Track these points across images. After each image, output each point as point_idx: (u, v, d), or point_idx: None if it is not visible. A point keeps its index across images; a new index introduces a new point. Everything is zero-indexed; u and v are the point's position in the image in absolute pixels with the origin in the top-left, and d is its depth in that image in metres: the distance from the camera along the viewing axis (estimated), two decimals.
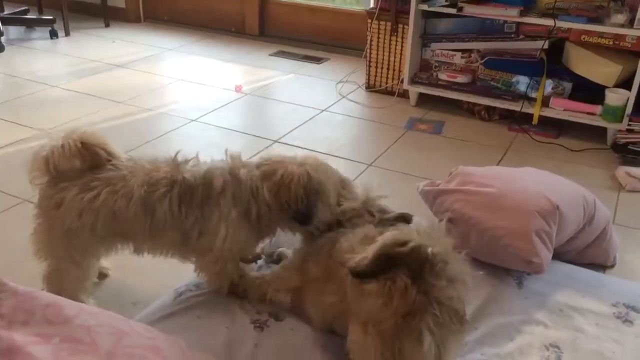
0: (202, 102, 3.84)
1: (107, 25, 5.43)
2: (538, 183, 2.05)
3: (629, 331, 1.77)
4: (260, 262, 1.99)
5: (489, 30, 3.55)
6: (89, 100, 3.81)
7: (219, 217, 1.66)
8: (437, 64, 3.81)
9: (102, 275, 2.12)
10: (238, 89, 4.07)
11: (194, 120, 3.55)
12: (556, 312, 1.84)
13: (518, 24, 3.42)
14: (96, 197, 1.65)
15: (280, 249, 2.00)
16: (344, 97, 4.00)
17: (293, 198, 1.65)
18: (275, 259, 1.98)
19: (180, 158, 1.73)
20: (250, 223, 1.70)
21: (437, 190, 2.16)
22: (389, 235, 1.34)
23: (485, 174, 2.13)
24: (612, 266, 2.24)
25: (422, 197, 2.26)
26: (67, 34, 5.13)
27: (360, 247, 1.45)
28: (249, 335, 1.68)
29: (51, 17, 5.11)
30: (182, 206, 1.65)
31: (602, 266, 2.23)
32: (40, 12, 5.63)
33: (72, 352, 1.20)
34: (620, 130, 3.18)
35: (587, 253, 2.18)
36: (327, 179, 1.70)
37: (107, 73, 4.34)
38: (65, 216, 1.68)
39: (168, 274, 2.18)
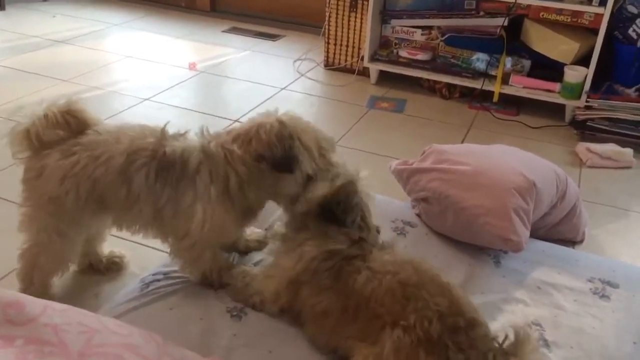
0: (154, 80, 3.65)
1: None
2: (512, 160, 2.03)
3: (607, 306, 1.77)
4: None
5: (450, 6, 3.52)
6: (31, 78, 3.56)
7: (194, 198, 1.55)
8: (397, 41, 3.75)
9: (115, 264, 2.03)
10: (192, 66, 3.89)
11: (147, 99, 3.37)
12: (534, 290, 1.83)
13: (478, 0, 3.40)
14: (77, 163, 1.57)
15: (274, 228, 1.85)
16: (302, 75, 3.89)
17: (266, 146, 1.52)
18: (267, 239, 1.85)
19: (169, 130, 1.63)
20: (232, 201, 1.58)
21: (411, 169, 2.11)
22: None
23: (459, 151, 2.09)
24: (581, 242, 2.27)
25: (394, 176, 2.21)
26: (2, 7, 4.78)
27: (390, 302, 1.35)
28: (226, 325, 1.59)
29: None
30: (157, 181, 1.55)
31: (571, 242, 2.25)
32: None
33: (39, 355, 1.08)
34: (578, 107, 3.23)
35: (558, 229, 2.19)
36: (302, 126, 1.58)
37: (49, 49, 4.06)
38: (48, 183, 1.60)
39: (132, 262, 2.06)
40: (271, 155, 1.52)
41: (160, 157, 1.56)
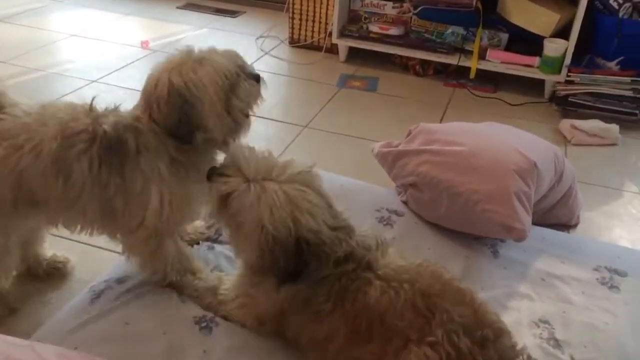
0: (103, 61, 3.32)
1: None
2: (509, 139, 1.84)
3: (618, 298, 1.61)
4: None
5: None
6: None
7: (145, 180, 1.32)
8: (367, 15, 3.52)
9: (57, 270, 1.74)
10: (144, 45, 3.57)
11: (96, 81, 3.05)
12: (539, 282, 1.66)
13: None
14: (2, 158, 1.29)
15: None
16: (266, 53, 3.62)
17: (161, 117, 1.31)
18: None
19: (99, 107, 1.36)
20: (185, 168, 1.35)
21: (398, 152, 1.89)
22: None
23: (451, 130, 1.88)
24: (576, 225, 2.11)
25: (378, 160, 1.99)
26: None
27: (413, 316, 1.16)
28: (195, 340, 1.35)
29: None
30: (102, 169, 1.30)
31: (566, 226, 2.09)
32: None
33: None
34: (559, 82, 3.07)
35: (553, 212, 2.02)
36: (201, 77, 1.29)
37: None
38: None
39: (79, 266, 1.79)
40: (166, 128, 1.31)
41: (101, 139, 1.30)
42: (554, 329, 1.51)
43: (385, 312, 1.16)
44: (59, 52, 3.45)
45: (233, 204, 1.19)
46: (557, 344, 1.46)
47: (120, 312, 1.41)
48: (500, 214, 1.63)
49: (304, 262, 1.17)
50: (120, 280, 1.51)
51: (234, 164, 1.24)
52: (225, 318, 1.41)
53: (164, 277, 1.47)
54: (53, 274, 1.73)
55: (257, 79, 1.42)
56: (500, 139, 1.81)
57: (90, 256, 1.81)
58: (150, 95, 1.32)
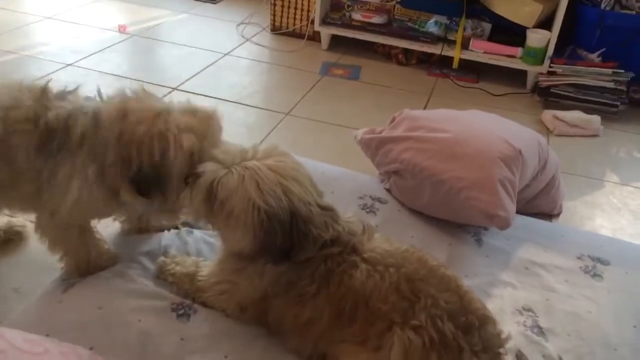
0: (78, 44, 3.23)
1: None
2: (494, 126, 1.82)
3: (601, 287, 1.61)
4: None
5: None
6: None
7: (71, 173, 1.28)
8: (349, 3, 3.47)
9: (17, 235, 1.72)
10: (122, 29, 3.48)
11: (71, 64, 2.96)
12: (522, 271, 1.65)
13: None
14: None
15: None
16: (247, 40, 3.56)
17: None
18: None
19: (52, 90, 1.32)
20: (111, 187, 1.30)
21: (381, 138, 1.86)
22: None
23: (436, 117, 1.86)
24: (558, 215, 2.11)
25: (361, 147, 1.95)
26: None
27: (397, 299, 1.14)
28: (172, 327, 1.30)
29: None
30: (38, 156, 1.28)
31: (548, 215, 2.08)
32: None
33: None
34: (541, 73, 3.07)
35: (536, 202, 2.01)
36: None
37: None
38: None
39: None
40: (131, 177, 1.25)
41: (42, 128, 1.27)
42: (537, 317, 1.50)
43: (370, 295, 1.14)
44: (32, 34, 3.34)
45: (219, 191, 1.14)
46: (541, 331, 1.45)
47: (93, 295, 1.36)
48: (483, 201, 1.61)
49: (299, 237, 1.14)
50: None
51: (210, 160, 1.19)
52: (204, 305, 1.37)
53: (77, 269, 1.43)
54: (13, 241, 1.69)
55: None
56: (485, 127, 1.79)
57: None
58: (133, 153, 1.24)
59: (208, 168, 1.16)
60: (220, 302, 1.34)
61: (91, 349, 1.22)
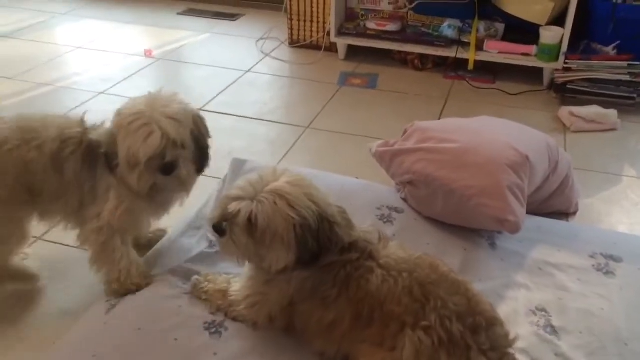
0: (108, 72, 3.40)
1: None
2: (502, 133, 1.89)
3: (613, 284, 1.66)
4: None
5: None
6: None
7: (109, 185, 1.55)
8: (363, 13, 3.56)
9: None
10: (148, 53, 3.64)
11: (103, 92, 3.13)
12: (535, 272, 1.71)
13: None
14: (5, 143, 1.52)
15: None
16: (267, 55, 3.68)
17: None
18: None
19: (87, 120, 1.61)
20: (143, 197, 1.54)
21: (394, 151, 1.95)
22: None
23: (444, 128, 1.94)
24: (575, 213, 2.15)
25: (376, 160, 2.04)
26: None
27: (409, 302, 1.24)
28: (206, 344, 1.43)
29: None
30: (83, 169, 1.55)
31: (565, 214, 2.13)
32: None
33: None
34: (556, 70, 3.10)
35: (550, 202, 2.06)
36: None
37: None
38: None
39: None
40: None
41: (86, 145, 1.55)
42: (550, 316, 1.56)
43: (385, 299, 1.24)
44: (65, 65, 3.53)
45: (259, 222, 1.24)
46: (554, 330, 1.52)
47: (132, 318, 1.49)
48: (493, 207, 1.69)
49: (326, 238, 1.26)
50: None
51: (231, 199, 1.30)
52: (235, 319, 1.48)
53: (118, 282, 1.60)
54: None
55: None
56: (493, 135, 1.86)
57: None
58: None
59: (240, 206, 1.26)
60: (252, 314, 1.45)
61: None
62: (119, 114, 1.48)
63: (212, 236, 1.67)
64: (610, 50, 3.02)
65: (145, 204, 1.58)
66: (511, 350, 1.27)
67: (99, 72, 3.40)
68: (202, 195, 1.95)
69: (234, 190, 1.30)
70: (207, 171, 1.80)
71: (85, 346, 1.42)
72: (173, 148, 1.46)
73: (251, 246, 1.28)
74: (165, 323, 1.47)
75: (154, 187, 1.51)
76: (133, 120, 1.44)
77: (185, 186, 1.58)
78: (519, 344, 1.37)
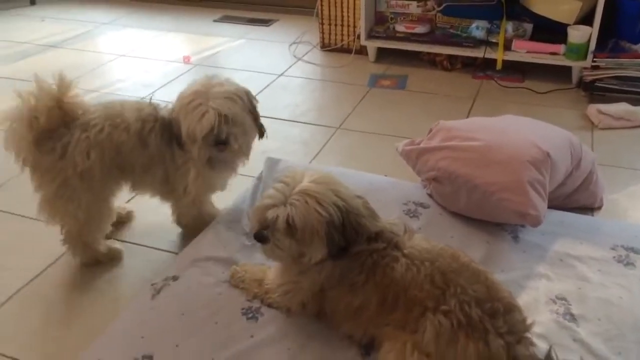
0: (149, 78, 3.58)
1: (32, 3, 5.01)
2: (524, 131, 1.96)
3: (633, 274, 1.72)
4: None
5: None
6: (24, 87, 3.48)
7: (185, 158, 1.81)
8: (393, 16, 3.65)
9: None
10: (186, 60, 3.81)
11: (144, 98, 3.30)
12: (557, 263, 1.78)
13: None
14: (101, 132, 1.74)
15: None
16: (299, 59, 3.81)
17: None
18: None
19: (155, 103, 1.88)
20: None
21: (420, 149, 2.04)
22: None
23: (468, 127, 2.02)
24: (600, 208, 2.20)
25: (403, 158, 2.14)
26: None
27: (430, 288, 1.34)
28: (243, 327, 1.55)
29: None
30: (162, 142, 1.80)
31: (589, 209, 2.18)
32: None
33: None
34: (585, 68, 3.13)
35: (575, 197, 2.12)
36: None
37: (40, 55, 3.99)
38: (75, 159, 1.73)
39: (144, 266, 2.01)
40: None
41: (160, 122, 1.79)
42: (570, 304, 1.63)
43: (408, 286, 1.34)
44: (109, 72, 3.73)
45: (297, 223, 1.35)
46: (573, 317, 1.58)
47: (175, 305, 1.62)
48: (515, 202, 1.76)
49: (352, 230, 1.37)
50: (175, 278, 1.73)
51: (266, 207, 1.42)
52: (270, 306, 1.60)
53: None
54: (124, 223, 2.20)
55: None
56: (515, 133, 1.93)
57: (146, 257, 2.04)
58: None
59: (277, 212, 1.37)
60: (285, 301, 1.56)
61: (177, 346, 1.48)
62: (180, 95, 1.75)
63: (249, 240, 1.82)
64: (638, 48, 3.03)
65: (213, 172, 1.85)
66: (528, 335, 1.35)
67: (141, 79, 3.58)
68: (239, 191, 2.12)
69: (265, 200, 1.41)
70: (242, 170, 1.98)
71: (135, 329, 1.56)
72: (226, 125, 1.69)
73: (294, 246, 1.39)
74: (207, 308, 1.60)
75: (211, 159, 1.77)
76: (190, 100, 1.68)
77: (240, 155, 1.85)
78: (538, 330, 1.45)
